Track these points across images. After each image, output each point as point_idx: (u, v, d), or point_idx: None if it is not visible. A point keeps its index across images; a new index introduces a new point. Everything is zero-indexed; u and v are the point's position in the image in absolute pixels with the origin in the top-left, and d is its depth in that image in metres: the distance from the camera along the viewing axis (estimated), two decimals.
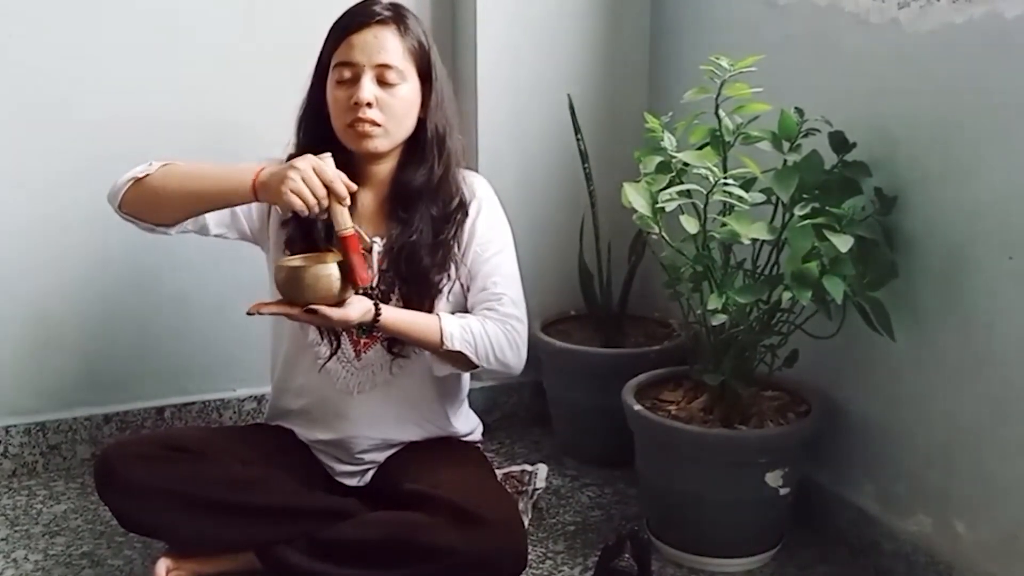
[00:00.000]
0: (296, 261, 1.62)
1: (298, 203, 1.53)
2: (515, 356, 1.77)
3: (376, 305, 1.64)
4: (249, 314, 1.58)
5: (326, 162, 1.56)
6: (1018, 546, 1.55)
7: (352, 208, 1.63)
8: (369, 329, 1.67)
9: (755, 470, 1.76)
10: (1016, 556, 1.55)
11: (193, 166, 1.70)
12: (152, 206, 1.68)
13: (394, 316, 1.67)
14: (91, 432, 2.22)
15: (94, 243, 2.14)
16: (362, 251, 1.59)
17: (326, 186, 1.54)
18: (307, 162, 1.55)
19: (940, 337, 1.66)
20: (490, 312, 1.75)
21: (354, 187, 1.58)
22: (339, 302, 1.57)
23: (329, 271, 1.55)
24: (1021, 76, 1.49)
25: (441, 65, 1.76)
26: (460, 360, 1.74)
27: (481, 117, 2.31)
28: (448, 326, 1.70)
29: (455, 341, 1.70)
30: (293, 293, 1.57)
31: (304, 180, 1.52)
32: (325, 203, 1.55)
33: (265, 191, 1.58)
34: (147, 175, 1.67)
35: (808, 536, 1.92)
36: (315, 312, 1.56)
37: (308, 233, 1.71)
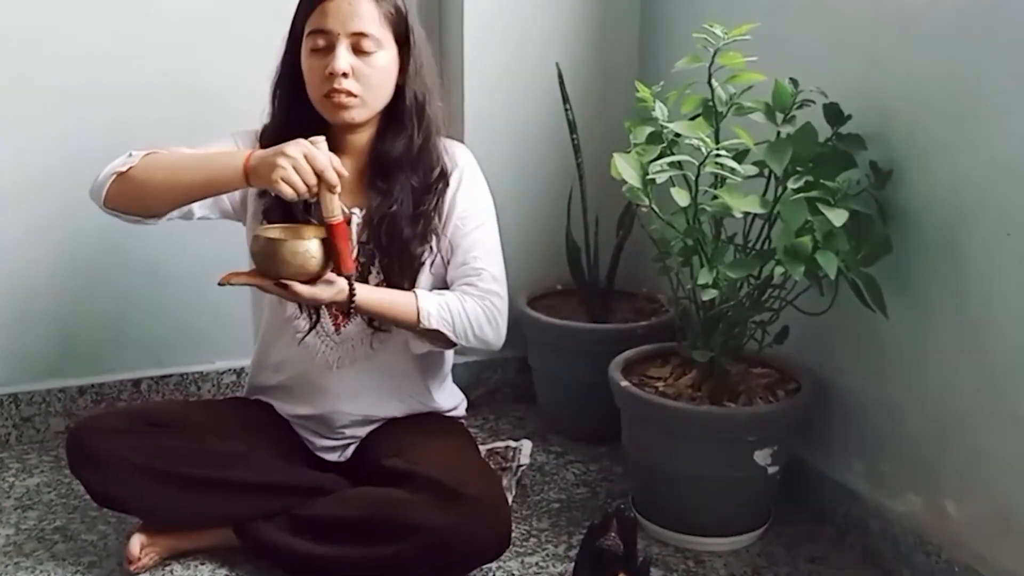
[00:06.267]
0: (274, 232, 1.58)
1: (288, 191, 1.49)
2: (494, 332, 1.74)
3: (351, 285, 1.60)
4: (221, 284, 1.54)
5: (319, 147, 1.52)
6: (1008, 526, 1.54)
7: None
8: (346, 309, 1.64)
9: (744, 448, 1.74)
10: (1006, 536, 1.54)
11: (177, 156, 1.63)
12: (138, 200, 1.62)
13: (369, 296, 1.64)
14: (65, 404, 2.19)
15: (69, 213, 2.09)
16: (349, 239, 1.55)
17: (317, 173, 1.50)
18: (299, 148, 1.50)
19: (933, 315, 1.64)
20: (469, 288, 1.72)
21: (345, 174, 1.53)
22: (313, 279, 1.54)
23: (306, 247, 1.51)
24: (1020, 47, 1.46)
25: (419, 28, 1.70)
26: (438, 337, 1.71)
27: (468, 86, 2.27)
28: (425, 304, 1.67)
29: (432, 319, 1.67)
30: (267, 265, 1.53)
31: (295, 168, 1.49)
32: (315, 190, 1.51)
33: (256, 177, 1.53)
34: (130, 168, 1.61)
35: (796, 515, 1.90)
36: (286, 287, 1.53)
37: (287, 204, 1.66)
